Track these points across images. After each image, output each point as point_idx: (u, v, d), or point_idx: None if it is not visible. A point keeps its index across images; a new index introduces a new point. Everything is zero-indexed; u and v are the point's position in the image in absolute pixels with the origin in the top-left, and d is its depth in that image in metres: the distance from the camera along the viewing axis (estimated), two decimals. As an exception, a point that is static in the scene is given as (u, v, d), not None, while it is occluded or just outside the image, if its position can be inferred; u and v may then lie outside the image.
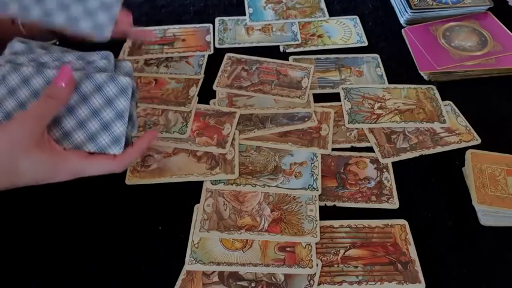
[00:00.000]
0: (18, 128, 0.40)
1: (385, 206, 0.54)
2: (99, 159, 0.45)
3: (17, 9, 0.50)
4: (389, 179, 0.56)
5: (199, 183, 0.55)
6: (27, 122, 0.40)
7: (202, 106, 0.63)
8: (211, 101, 0.64)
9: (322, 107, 0.64)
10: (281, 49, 0.73)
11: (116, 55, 0.56)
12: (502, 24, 0.75)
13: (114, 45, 0.54)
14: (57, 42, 0.61)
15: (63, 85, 0.42)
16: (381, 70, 0.70)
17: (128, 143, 0.47)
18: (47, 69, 0.44)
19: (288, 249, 0.50)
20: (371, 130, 0.61)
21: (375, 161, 0.58)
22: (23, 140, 0.40)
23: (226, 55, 0.71)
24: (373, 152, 0.59)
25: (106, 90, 0.44)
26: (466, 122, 0.63)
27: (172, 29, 0.75)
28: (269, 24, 0.77)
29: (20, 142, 0.40)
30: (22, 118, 0.41)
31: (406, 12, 0.77)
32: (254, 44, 0.73)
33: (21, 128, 0.40)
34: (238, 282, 0.47)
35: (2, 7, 0.50)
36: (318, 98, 0.65)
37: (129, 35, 0.61)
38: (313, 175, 0.56)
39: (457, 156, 0.58)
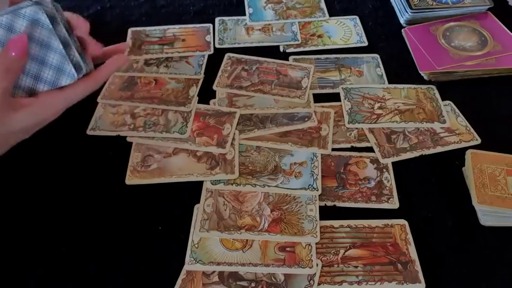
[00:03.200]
0: None
1: (385, 206, 0.54)
2: (73, 86, 0.46)
3: None
4: (389, 179, 0.56)
5: (199, 183, 0.55)
6: None
7: (202, 106, 0.63)
8: (211, 101, 0.64)
9: (322, 107, 0.64)
10: (281, 49, 0.73)
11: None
12: (502, 24, 0.75)
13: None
14: None
15: (14, 54, 0.42)
16: (381, 70, 0.70)
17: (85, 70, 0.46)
18: None
19: (288, 249, 0.50)
20: (371, 130, 0.61)
21: (374, 161, 0.58)
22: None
23: (226, 55, 0.71)
24: (373, 152, 0.59)
25: (17, 28, 0.43)
26: (466, 122, 0.63)
27: (172, 29, 0.75)
28: (269, 24, 0.77)
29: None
30: None
31: (406, 12, 0.77)
32: (254, 44, 0.73)
33: None
34: (238, 282, 0.47)
35: None
36: (318, 98, 0.65)
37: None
38: (313, 175, 0.56)
39: (457, 156, 0.58)
